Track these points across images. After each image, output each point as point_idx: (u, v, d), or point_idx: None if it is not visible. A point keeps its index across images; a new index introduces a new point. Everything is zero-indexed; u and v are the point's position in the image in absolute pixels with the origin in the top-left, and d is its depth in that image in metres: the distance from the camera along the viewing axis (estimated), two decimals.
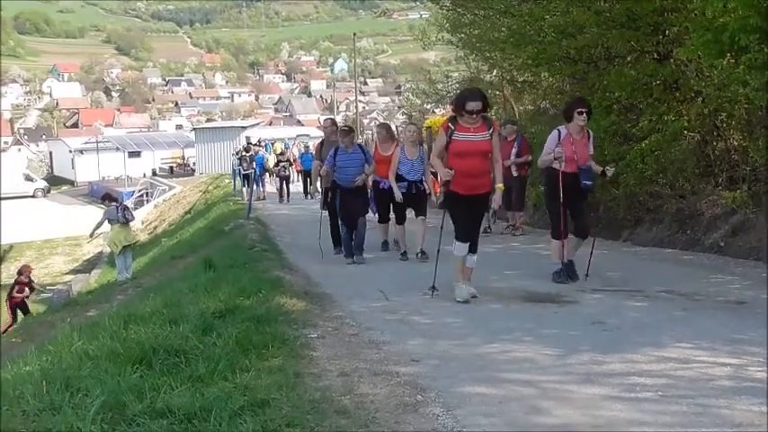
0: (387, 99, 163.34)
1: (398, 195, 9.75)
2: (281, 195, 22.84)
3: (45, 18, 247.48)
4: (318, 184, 11.88)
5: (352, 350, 5.22)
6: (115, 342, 5.07)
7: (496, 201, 7.32)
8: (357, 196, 9.98)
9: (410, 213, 10.33)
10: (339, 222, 10.40)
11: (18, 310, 17.66)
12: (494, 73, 19.01)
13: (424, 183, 10.09)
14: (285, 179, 22.93)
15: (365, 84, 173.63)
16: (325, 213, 10.86)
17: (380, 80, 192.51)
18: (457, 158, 6.81)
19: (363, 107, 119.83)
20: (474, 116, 6.76)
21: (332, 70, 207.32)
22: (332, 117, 14.25)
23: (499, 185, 7.08)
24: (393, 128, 13.70)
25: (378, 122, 18.93)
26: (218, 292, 6.92)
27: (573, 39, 11.86)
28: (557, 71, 13.52)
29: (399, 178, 9.78)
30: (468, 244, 6.94)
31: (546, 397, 4.17)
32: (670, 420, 3.79)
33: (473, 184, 6.89)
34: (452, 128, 6.87)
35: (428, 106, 26.86)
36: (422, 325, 6.13)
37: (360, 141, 38.17)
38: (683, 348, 5.12)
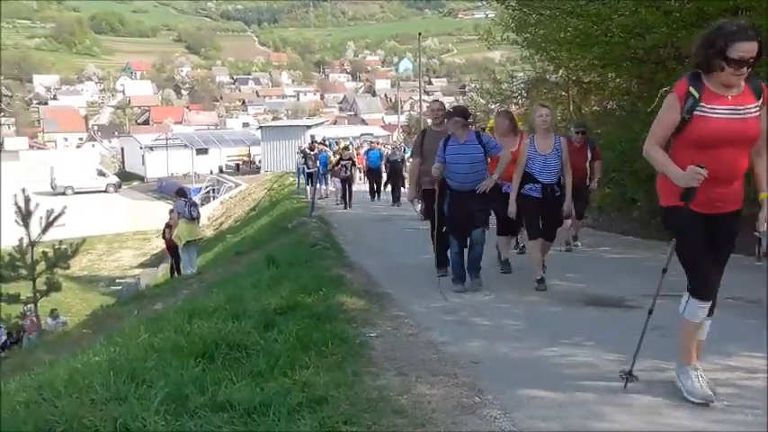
0: (451, 99, 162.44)
1: (512, 210, 7.68)
2: (343, 200, 20.36)
3: (120, 18, 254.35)
4: (413, 186, 9.17)
5: (411, 350, 5.23)
6: (179, 336, 5.20)
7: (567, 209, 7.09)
8: (474, 201, 7.57)
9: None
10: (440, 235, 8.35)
11: None
12: (559, 73, 18.78)
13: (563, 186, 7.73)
14: (347, 181, 20.30)
15: (430, 83, 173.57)
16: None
17: (445, 80, 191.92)
18: (699, 149, 3.97)
19: (428, 107, 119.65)
20: (742, 70, 3.87)
21: (396, 69, 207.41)
22: (439, 100, 10.71)
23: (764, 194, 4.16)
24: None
25: (498, 109, 16.03)
26: (280, 289, 7.02)
27: (641, 39, 11.63)
28: (624, 72, 13.30)
29: (528, 179, 7.57)
30: (709, 304, 4.21)
31: (606, 402, 4.11)
32: (734, 430, 3.70)
33: (722, 196, 4.10)
34: (695, 94, 3.99)
35: (492, 106, 26.68)
36: (481, 326, 6.10)
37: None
38: (751, 358, 4.98)
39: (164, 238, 19.82)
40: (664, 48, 11.96)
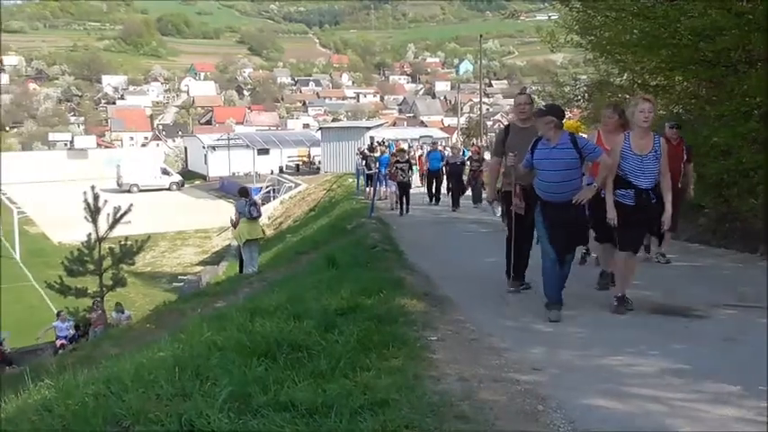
0: (511, 101, 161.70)
1: (611, 216, 6.60)
2: (398, 205, 18.81)
3: (185, 20, 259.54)
4: (492, 187, 8.33)
5: (472, 355, 5.19)
6: (242, 334, 5.26)
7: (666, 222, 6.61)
8: (570, 214, 6.57)
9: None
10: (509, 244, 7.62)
11: None
12: (624, 77, 18.43)
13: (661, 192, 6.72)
14: (404, 187, 18.75)
15: (490, 85, 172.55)
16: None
17: (505, 82, 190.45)
18: None
19: (487, 109, 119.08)
20: None
21: (457, 72, 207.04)
22: (526, 93, 8.88)
23: None
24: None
25: (608, 102, 13.48)
26: (340, 290, 7.04)
27: (711, 41, 11.32)
28: (692, 75, 12.97)
29: (620, 182, 6.68)
30: None
31: (675, 415, 4.01)
32: None
33: None
34: None
35: None
36: (543, 333, 6.02)
37: (483, 145, 37.46)
38: None
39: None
40: (735, 50, 11.61)
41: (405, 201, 18.57)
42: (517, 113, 8.03)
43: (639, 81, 17.30)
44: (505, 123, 9.16)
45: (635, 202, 6.58)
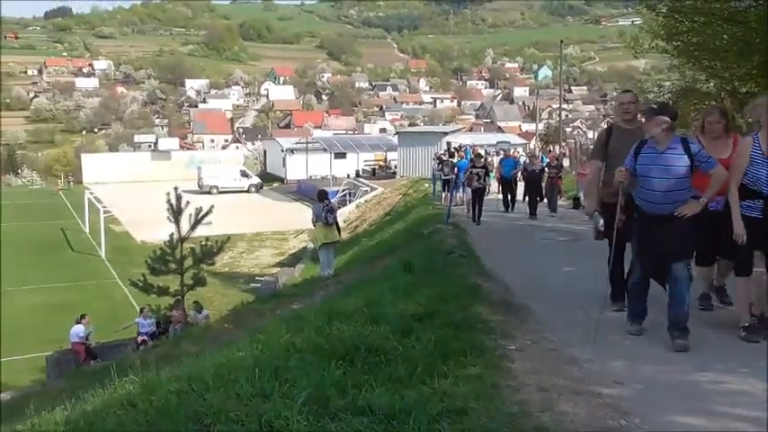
0: (591, 107, 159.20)
1: (738, 231, 5.80)
2: (472, 213, 18.09)
3: (266, 25, 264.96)
4: (591, 197, 7.36)
5: (552, 366, 5.09)
6: (320, 337, 5.29)
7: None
8: (672, 227, 5.78)
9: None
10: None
11: None
12: (711, 83, 17.89)
13: None
14: (478, 193, 18.02)
15: (569, 91, 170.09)
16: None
17: (585, 88, 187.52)
18: None
19: (567, 115, 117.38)
20: None
21: (536, 77, 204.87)
22: (631, 91, 7.82)
23: None
24: None
25: (711, 106, 11.77)
26: (416, 295, 7.02)
27: None
28: None
29: (744, 192, 5.89)
30: None
31: None
32: None
33: None
34: None
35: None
36: (624, 345, 5.86)
37: (563, 151, 36.73)
38: None
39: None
40: None
41: (477, 207, 17.83)
42: (621, 114, 7.26)
43: (728, 88, 16.78)
44: (607, 124, 8.21)
45: (762, 214, 5.79)
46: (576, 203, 21.12)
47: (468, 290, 7.56)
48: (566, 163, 29.27)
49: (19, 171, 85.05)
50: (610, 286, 6.89)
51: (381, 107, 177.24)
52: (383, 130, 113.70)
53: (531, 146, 54.16)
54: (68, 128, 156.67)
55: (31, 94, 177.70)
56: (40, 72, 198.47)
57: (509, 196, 20.39)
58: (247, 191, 55.79)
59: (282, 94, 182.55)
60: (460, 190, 21.04)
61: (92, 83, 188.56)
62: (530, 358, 5.25)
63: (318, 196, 16.04)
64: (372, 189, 41.70)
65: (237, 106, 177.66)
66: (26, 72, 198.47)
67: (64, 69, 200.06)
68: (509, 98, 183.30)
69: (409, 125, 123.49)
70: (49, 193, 59.04)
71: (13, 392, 13.81)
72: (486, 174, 18.79)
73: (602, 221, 6.74)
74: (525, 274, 9.64)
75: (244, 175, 57.83)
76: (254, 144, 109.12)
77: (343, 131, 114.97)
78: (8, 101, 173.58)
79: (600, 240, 6.95)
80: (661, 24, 16.98)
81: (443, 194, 23.53)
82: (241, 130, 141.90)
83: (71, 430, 4.19)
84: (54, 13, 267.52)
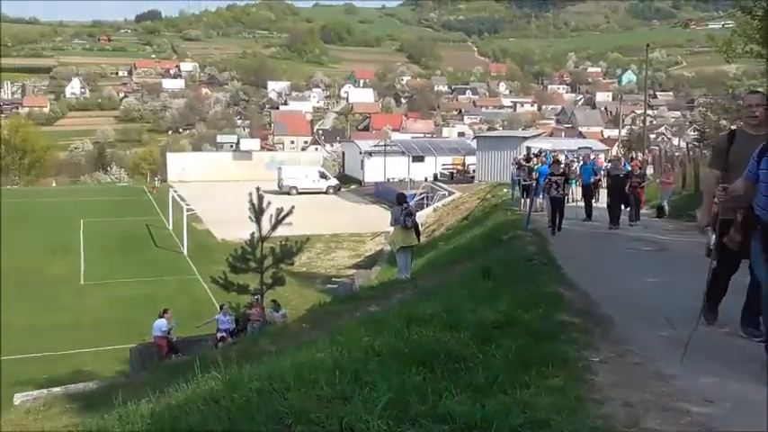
0: (677, 114, 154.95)
1: None
2: (551, 223, 16.81)
3: (347, 28, 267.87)
4: (706, 209, 6.53)
5: (637, 380, 4.93)
6: (399, 341, 5.28)
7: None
8: None
9: None
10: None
11: None
12: None
13: None
14: (557, 202, 16.81)
15: (654, 96, 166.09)
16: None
17: (671, 93, 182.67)
18: None
19: (651, 121, 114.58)
20: None
21: (619, 82, 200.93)
22: (760, 91, 6.76)
23: None
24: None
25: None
26: (496, 302, 6.93)
27: None
28: None
29: None
30: None
31: None
32: None
33: None
34: None
35: (723, 122, 24.94)
36: (714, 361, 5.64)
37: (646, 158, 35.81)
38: None
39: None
40: None
41: (558, 217, 16.62)
42: (746, 118, 6.47)
43: None
44: (731, 129, 7.35)
45: None
46: (660, 212, 20.53)
47: (548, 298, 7.42)
48: (649, 171, 28.51)
49: (108, 168, 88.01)
50: (704, 301, 6.33)
51: (460, 111, 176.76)
52: (462, 134, 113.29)
53: (614, 152, 53.03)
54: (155, 127, 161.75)
55: (121, 95, 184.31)
56: (130, 73, 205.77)
57: (589, 203, 19.79)
58: (325, 192, 56.33)
59: (362, 96, 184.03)
60: (540, 196, 20.66)
61: (178, 84, 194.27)
62: (614, 371, 5.10)
63: (397, 199, 16.04)
64: (450, 193, 41.55)
65: (317, 108, 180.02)
66: (117, 73, 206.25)
67: (152, 71, 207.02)
68: (591, 103, 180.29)
69: (488, 129, 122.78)
70: (136, 190, 60.89)
71: (99, 381, 14.25)
72: (566, 181, 17.69)
73: (713, 237, 6.16)
74: (608, 283, 9.42)
75: (322, 176, 58.42)
76: (332, 146, 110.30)
77: (422, 135, 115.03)
78: (100, 101, 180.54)
79: (712, 258, 6.24)
80: (756, 28, 16.38)
81: (522, 200, 23.24)
82: (320, 132, 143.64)
83: (156, 423, 4.29)
84: (144, 17, 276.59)
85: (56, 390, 13.02)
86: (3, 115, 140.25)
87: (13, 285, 28.38)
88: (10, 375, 19.04)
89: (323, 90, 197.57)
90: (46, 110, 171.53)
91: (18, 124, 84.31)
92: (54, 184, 75.87)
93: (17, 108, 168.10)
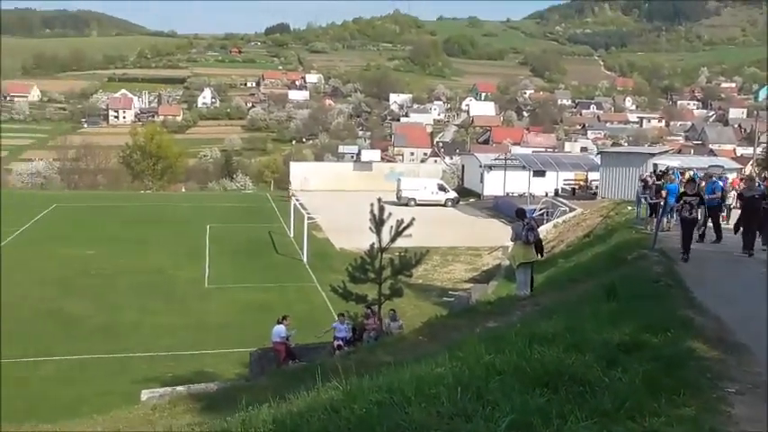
0: None
1: None
2: (683, 247, 15.12)
3: (471, 41, 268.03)
4: None
5: None
6: (521, 360, 5.17)
7: None
8: None
9: None
10: None
11: None
12: None
13: None
14: (688, 225, 15.47)
15: None
16: None
17: None
18: None
19: None
20: None
21: (755, 98, 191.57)
22: None
23: None
24: None
25: None
26: (621, 324, 6.71)
27: None
28: None
29: None
30: None
31: None
32: None
33: None
34: None
35: None
36: None
37: None
38: None
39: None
40: None
41: (688, 241, 15.21)
42: None
43: None
44: None
45: None
46: None
47: (678, 322, 7.12)
48: None
49: (234, 176, 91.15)
50: None
51: (584, 125, 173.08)
52: (584, 149, 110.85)
53: (747, 171, 50.47)
54: (279, 137, 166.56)
55: (249, 105, 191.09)
56: (258, 84, 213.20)
57: (717, 224, 18.49)
58: (444, 205, 56.21)
59: (483, 109, 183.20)
60: (670, 215, 19.85)
61: (303, 95, 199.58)
62: (751, 404, 4.82)
63: (517, 214, 15.80)
64: (571, 209, 40.60)
65: (438, 121, 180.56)
66: (245, 84, 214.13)
67: (279, 82, 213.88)
68: (723, 119, 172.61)
69: (612, 145, 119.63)
70: (259, 197, 62.78)
71: (220, 383, 14.72)
72: (701, 202, 16.14)
73: None
74: (742, 310, 8.95)
75: (441, 188, 58.32)
76: (452, 158, 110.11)
77: (543, 149, 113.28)
78: (228, 110, 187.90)
79: None
80: None
81: (648, 218, 22.40)
82: (440, 145, 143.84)
83: (278, 429, 4.36)
84: (274, 29, 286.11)
85: (179, 388, 13.54)
86: (140, 123, 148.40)
87: (146, 286, 29.80)
88: (138, 372, 19.98)
89: (444, 103, 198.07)
90: (179, 118, 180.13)
91: (153, 132, 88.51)
92: (183, 190, 79.31)
93: (153, 116, 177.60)
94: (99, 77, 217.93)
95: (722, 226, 19.00)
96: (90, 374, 20.29)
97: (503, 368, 4.99)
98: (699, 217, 16.16)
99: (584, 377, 4.79)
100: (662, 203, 20.31)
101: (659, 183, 22.48)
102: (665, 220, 20.16)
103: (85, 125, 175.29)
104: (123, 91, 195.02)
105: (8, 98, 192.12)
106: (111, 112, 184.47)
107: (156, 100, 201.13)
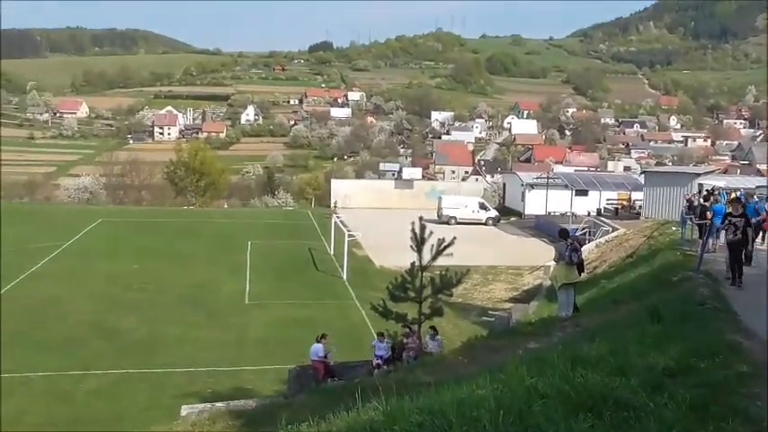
0: None
1: None
2: (731, 271, 14.62)
3: (513, 59, 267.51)
4: None
5: None
6: (564, 383, 5.09)
7: None
8: None
9: None
10: None
11: None
12: None
13: None
14: (734, 247, 14.76)
15: None
16: None
17: None
18: None
19: None
20: None
21: None
22: None
23: None
24: None
25: None
26: (666, 348, 6.59)
27: None
28: None
29: None
30: None
31: None
32: None
33: None
34: None
35: None
36: None
37: None
38: None
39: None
40: None
41: (735, 265, 14.57)
42: None
43: None
44: None
45: None
46: None
47: (725, 347, 6.96)
48: None
49: (276, 192, 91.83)
50: None
51: (627, 144, 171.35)
52: (628, 168, 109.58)
53: None
54: (321, 154, 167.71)
55: (291, 122, 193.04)
56: (301, 102, 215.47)
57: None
58: (485, 223, 55.96)
59: (525, 128, 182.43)
60: (715, 236, 19.51)
61: (345, 113, 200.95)
62: None
63: (560, 234, 15.65)
64: (614, 229, 40.11)
65: (479, 139, 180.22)
66: (288, 101, 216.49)
67: (321, 99, 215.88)
68: None
69: (656, 164, 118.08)
70: (300, 214, 63.11)
71: (259, 399, 14.75)
72: (748, 224, 15.40)
73: None
74: None
75: (482, 207, 58.06)
76: (493, 177, 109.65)
77: (585, 168, 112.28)
78: (271, 127, 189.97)
79: None
80: None
81: (695, 240, 22.03)
82: (482, 163, 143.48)
83: None
84: (317, 47, 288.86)
85: (219, 404, 13.58)
86: (184, 139, 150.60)
87: (188, 301, 30.12)
88: (178, 387, 20.14)
89: (486, 121, 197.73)
90: (222, 135, 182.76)
91: (197, 148, 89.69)
92: (225, 206, 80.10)
93: (197, 133, 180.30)
94: (145, 94, 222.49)
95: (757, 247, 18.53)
96: (132, 389, 20.50)
97: (545, 391, 4.92)
98: (747, 237, 15.47)
99: (629, 402, 4.70)
100: (707, 225, 20.00)
101: (705, 204, 22.11)
102: (710, 241, 19.83)
103: (131, 141, 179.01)
104: (169, 108, 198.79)
105: (58, 114, 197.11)
106: (157, 129, 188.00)
107: (200, 117, 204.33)
